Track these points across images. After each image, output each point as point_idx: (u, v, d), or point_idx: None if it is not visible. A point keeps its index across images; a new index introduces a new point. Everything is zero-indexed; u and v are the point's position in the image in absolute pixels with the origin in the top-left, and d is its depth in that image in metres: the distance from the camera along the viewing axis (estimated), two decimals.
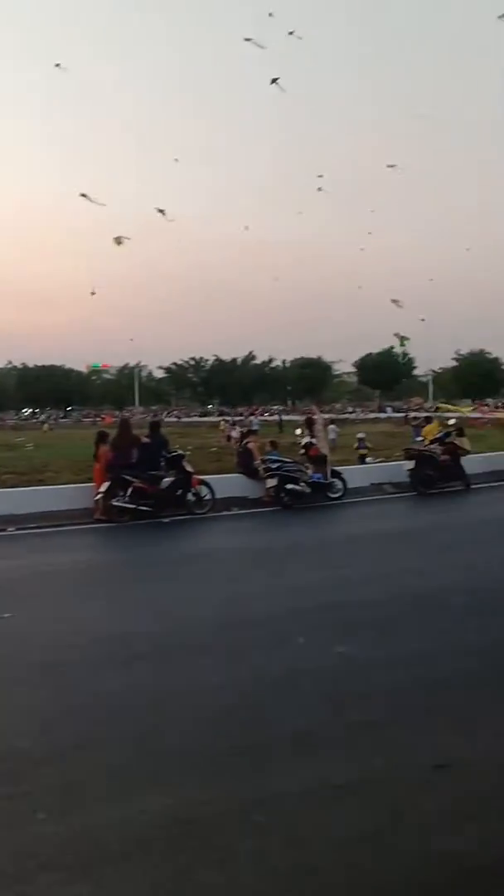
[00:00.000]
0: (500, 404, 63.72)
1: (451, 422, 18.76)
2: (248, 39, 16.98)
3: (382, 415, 59.00)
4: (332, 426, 21.73)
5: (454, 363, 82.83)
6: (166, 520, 11.73)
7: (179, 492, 12.13)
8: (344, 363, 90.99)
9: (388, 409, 63.08)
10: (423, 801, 3.29)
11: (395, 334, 27.54)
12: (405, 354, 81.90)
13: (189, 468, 12.46)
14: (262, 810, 3.21)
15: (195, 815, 3.17)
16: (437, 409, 51.13)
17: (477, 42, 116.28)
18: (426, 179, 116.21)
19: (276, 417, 51.68)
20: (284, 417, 49.92)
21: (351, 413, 63.34)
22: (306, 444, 14.21)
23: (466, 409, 53.72)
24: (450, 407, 55.55)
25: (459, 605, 6.38)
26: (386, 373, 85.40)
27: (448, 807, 3.24)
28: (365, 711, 4.22)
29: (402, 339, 27.55)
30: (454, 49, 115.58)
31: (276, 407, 71.99)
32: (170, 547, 10.58)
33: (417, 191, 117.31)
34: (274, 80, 18.11)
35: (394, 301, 25.07)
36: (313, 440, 14.22)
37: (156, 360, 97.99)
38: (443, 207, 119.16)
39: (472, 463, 15.76)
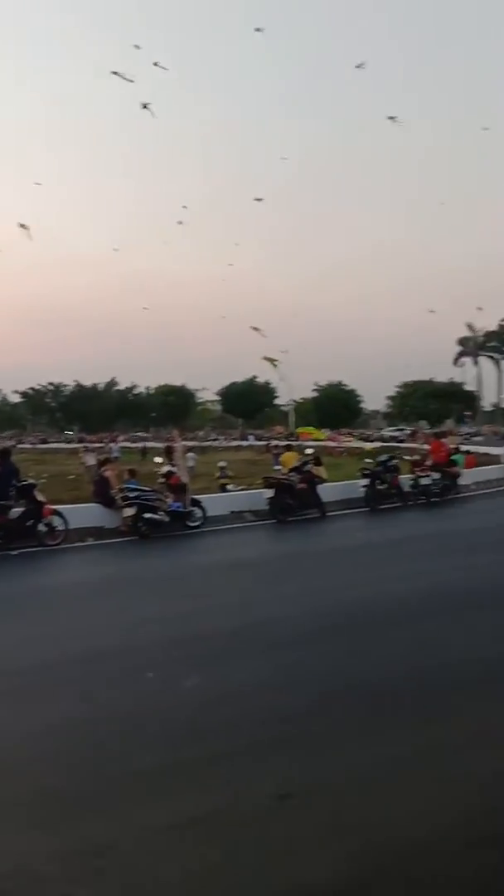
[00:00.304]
0: (355, 433, 66.56)
1: (309, 451, 19.26)
2: (115, 73, 17.03)
3: (245, 443, 59.86)
4: (190, 454, 21.68)
5: (314, 394, 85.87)
6: (15, 552, 11.13)
7: (30, 522, 11.59)
8: (208, 391, 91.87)
9: (251, 438, 64.09)
10: (266, 832, 3.27)
11: (265, 357, 28.14)
12: (268, 384, 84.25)
13: (41, 497, 11.93)
14: (101, 854, 3.07)
15: (33, 863, 3.00)
16: (297, 437, 52.67)
17: (341, 84, 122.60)
18: (291, 213, 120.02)
19: (138, 444, 51.00)
20: (148, 444, 49.37)
21: (214, 441, 63.76)
22: (166, 472, 14.03)
23: (323, 436, 55.70)
24: (311, 430, 57.38)
25: (304, 634, 6.45)
26: (249, 401, 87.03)
27: (289, 836, 3.22)
28: (211, 745, 4.16)
29: (272, 361, 28.17)
30: (319, 88, 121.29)
31: (139, 434, 71.14)
32: (16, 581, 10.01)
33: (282, 224, 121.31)
34: (145, 106, 18.33)
35: (255, 328, 25.74)
36: (173, 468, 14.08)
37: (11, 385, 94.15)
38: (305, 244, 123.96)
39: (328, 491, 16.25)
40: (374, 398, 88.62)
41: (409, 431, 61.62)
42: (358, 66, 39.06)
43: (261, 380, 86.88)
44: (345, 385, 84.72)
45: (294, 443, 34.01)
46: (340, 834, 3.23)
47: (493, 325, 76.20)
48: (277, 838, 3.21)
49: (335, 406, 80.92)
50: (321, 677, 5.29)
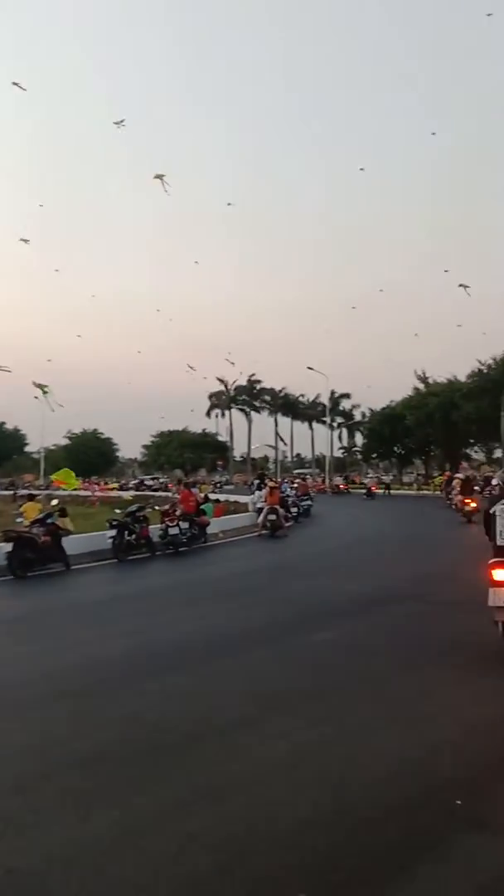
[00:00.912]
0: (110, 482, 65.60)
1: (54, 502, 18.36)
2: None
3: None
4: None
5: (67, 441, 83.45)
6: None
7: None
8: None
9: None
10: None
11: (35, 383, 26.24)
12: (17, 430, 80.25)
13: None
14: None
15: None
16: (48, 486, 50.43)
17: (98, 137, 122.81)
18: (46, 256, 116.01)
19: None
20: None
21: None
22: None
23: (76, 483, 53.98)
24: (64, 476, 55.32)
25: (22, 701, 6.09)
26: None
27: None
28: None
29: (43, 387, 26.29)
30: (74, 138, 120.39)
31: None
32: None
33: (39, 267, 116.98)
34: None
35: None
36: None
37: None
38: (62, 290, 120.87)
39: (76, 543, 15.58)
40: (131, 446, 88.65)
41: (162, 479, 62.21)
42: (117, 123, 38.88)
43: (9, 426, 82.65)
44: (100, 433, 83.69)
45: (44, 492, 32.45)
46: None
47: (243, 380, 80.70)
48: None
49: (89, 454, 79.30)
50: (39, 747, 4.96)
